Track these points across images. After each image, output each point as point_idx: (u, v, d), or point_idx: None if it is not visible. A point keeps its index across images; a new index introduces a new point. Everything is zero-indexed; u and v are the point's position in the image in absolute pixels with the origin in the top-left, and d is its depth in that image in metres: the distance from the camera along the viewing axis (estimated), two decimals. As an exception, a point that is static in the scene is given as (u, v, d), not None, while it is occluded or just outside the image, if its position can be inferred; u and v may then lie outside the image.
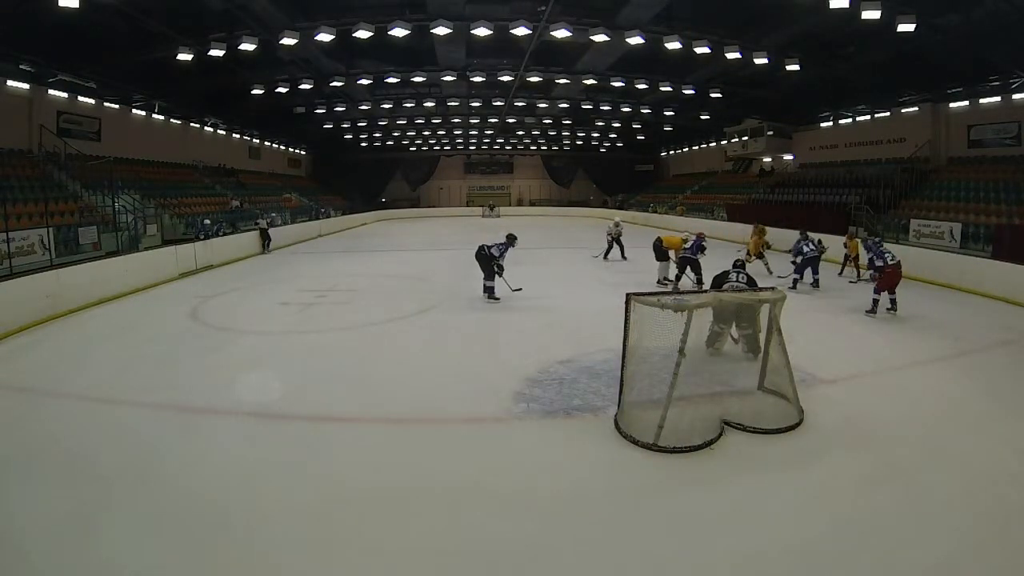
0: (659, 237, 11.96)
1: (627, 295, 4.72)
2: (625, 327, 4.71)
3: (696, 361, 4.73)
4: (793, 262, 11.23)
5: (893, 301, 8.79)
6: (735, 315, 6.20)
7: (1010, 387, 5.82)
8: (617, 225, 16.01)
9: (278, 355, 7.20)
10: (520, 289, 10.22)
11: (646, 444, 4.41)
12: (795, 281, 11.02)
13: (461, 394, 5.67)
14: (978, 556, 3.20)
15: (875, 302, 8.82)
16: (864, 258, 10.70)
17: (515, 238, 10.37)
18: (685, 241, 11.10)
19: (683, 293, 6.14)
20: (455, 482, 4.04)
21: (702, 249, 10.82)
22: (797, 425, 4.80)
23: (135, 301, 10.68)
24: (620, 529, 3.49)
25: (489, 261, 9.87)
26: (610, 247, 15.68)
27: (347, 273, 14.07)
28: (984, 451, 4.39)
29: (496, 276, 9.93)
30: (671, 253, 11.48)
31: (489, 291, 9.93)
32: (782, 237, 14.50)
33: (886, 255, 8.85)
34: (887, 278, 8.78)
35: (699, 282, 10.49)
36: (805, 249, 11.05)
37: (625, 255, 15.53)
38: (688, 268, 10.76)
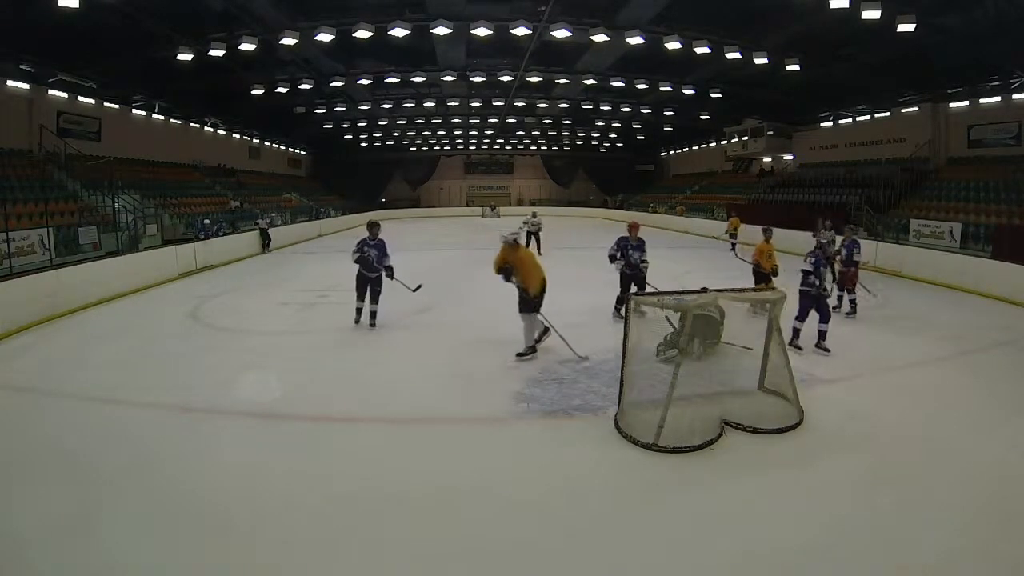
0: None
1: (627, 295, 4.73)
2: (625, 327, 4.71)
3: (696, 361, 4.74)
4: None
5: (852, 302, 8.72)
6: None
7: (1010, 387, 5.82)
8: (535, 215, 15.34)
9: (278, 355, 7.20)
10: (420, 287, 8.80)
11: (646, 444, 4.41)
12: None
13: (461, 394, 5.67)
14: (978, 556, 3.20)
15: (852, 303, 8.69)
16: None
17: (376, 224, 8.71)
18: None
19: (682, 293, 6.13)
20: (455, 482, 4.03)
21: (627, 250, 8.28)
22: (797, 425, 4.80)
23: (135, 301, 10.68)
24: (620, 529, 3.49)
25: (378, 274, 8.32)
26: (528, 241, 14.94)
27: (347, 273, 14.01)
28: (984, 451, 4.39)
29: (390, 278, 8.51)
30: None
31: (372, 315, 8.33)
32: (785, 237, 14.47)
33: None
34: (854, 275, 8.68)
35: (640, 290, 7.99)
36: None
37: (541, 251, 14.85)
38: (632, 285, 8.33)
